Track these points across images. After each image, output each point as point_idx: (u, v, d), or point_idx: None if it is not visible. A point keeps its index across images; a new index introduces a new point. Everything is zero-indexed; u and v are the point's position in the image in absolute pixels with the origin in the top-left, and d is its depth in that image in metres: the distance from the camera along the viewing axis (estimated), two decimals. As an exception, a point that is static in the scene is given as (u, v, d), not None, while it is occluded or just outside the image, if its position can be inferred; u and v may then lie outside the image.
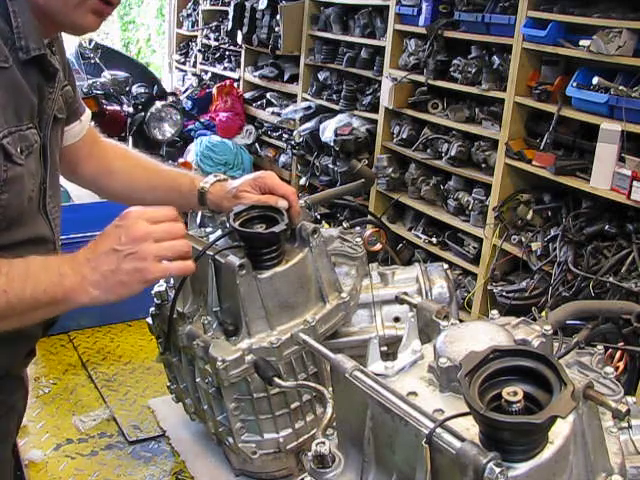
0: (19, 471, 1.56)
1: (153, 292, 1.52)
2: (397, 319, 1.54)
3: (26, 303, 1.06)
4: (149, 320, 1.58)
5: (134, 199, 1.62)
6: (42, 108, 1.22)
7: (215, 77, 7.69)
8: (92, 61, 6.16)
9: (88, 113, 1.54)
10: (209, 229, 1.56)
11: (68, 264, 1.09)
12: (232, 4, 6.68)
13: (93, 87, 5.53)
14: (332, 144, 5.17)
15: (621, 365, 2.33)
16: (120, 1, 1.22)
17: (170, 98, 5.96)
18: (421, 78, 4.63)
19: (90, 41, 6.19)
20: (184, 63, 8.55)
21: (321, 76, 5.83)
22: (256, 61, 6.97)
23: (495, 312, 1.12)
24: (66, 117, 1.37)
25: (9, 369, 1.30)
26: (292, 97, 6.35)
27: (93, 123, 1.60)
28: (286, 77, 6.40)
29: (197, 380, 1.47)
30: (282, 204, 1.42)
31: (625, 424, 1.00)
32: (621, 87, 3.30)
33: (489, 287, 4.05)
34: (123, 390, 1.91)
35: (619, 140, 3.32)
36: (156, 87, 6.15)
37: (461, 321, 1.13)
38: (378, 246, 1.68)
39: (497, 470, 0.75)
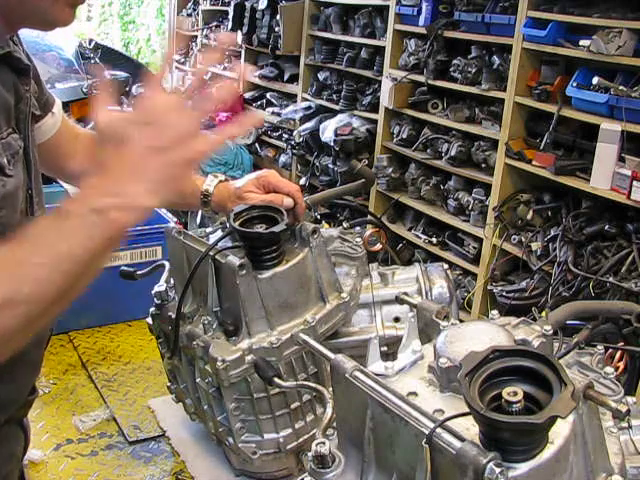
0: (19, 471, 1.56)
1: (153, 292, 1.52)
2: (397, 319, 1.54)
3: (67, 266, 0.86)
4: (149, 320, 1.58)
5: None
6: (19, 109, 1.12)
7: (215, 77, 7.69)
8: (92, 61, 6.16)
9: (58, 103, 1.42)
10: (209, 229, 1.56)
11: (98, 193, 0.89)
12: (232, 4, 6.68)
13: (93, 87, 5.52)
14: (332, 144, 5.17)
15: (621, 365, 2.33)
16: None
17: (170, 98, 5.95)
18: (421, 78, 4.63)
19: (90, 41, 6.19)
20: (184, 63, 8.55)
21: (321, 76, 5.83)
22: (256, 61, 6.97)
23: (495, 312, 1.11)
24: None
25: (12, 410, 1.19)
26: (292, 97, 6.35)
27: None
28: (286, 77, 6.40)
29: (197, 380, 1.47)
30: (287, 202, 1.41)
31: (625, 424, 1.00)
32: (621, 87, 3.30)
33: (489, 287, 4.05)
34: (123, 390, 1.91)
35: (619, 140, 3.32)
36: (156, 87, 6.13)
37: (461, 321, 1.13)
38: (378, 246, 1.68)
39: (497, 470, 0.75)
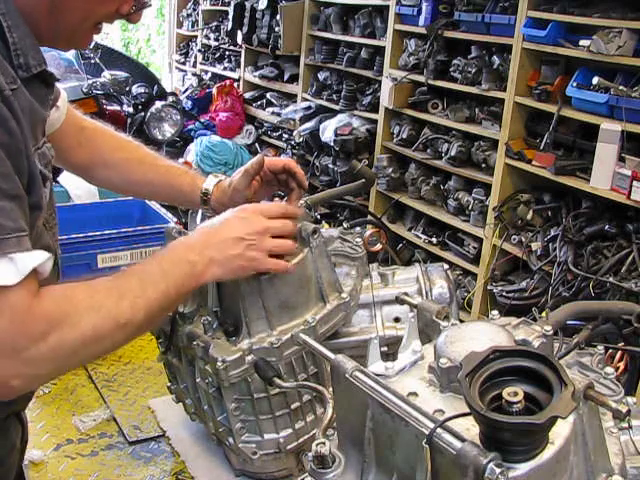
0: (19, 471, 1.56)
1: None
2: (397, 319, 1.54)
3: (163, 301, 1.13)
4: (149, 320, 1.58)
5: (130, 191, 1.61)
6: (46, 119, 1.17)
7: (215, 77, 7.70)
8: (92, 61, 6.16)
9: (64, 96, 1.45)
10: (209, 229, 1.56)
11: (193, 251, 1.19)
12: (232, 4, 6.68)
13: (93, 87, 5.52)
14: (332, 144, 5.17)
15: (621, 365, 2.33)
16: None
17: (170, 98, 5.96)
18: (421, 78, 4.63)
19: (90, 41, 6.18)
20: (184, 63, 8.55)
21: (321, 76, 5.84)
22: (256, 61, 6.97)
23: (495, 312, 1.11)
24: None
25: (14, 404, 1.23)
26: (292, 97, 6.36)
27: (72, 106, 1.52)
28: (286, 77, 6.41)
29: (197, 380, 1.46)
30: (289, 162, 1.47)
31: (625, 424, 0.99)
32: (621, 87, 3.31)
33: (489, 287, 4.05)
34: (123, 390, 1.90)
35: (619, 140, 3.32)
36: (156, 87, 6.14)
37: (461, 321, 1.13)
38: (378, 246, 1.68)
39: (497, 470, 0.75)
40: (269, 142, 6.68)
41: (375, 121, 5.14)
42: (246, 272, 1.27)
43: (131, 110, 5.56)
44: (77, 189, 3.24)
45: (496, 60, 4.19)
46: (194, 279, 1.18)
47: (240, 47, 7.00)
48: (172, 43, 8.93)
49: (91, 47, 6.09)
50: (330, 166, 5.39)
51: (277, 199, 1.53)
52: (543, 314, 1.14)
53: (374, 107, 5.14)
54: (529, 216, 3.94)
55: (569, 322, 1.21)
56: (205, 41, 7.94)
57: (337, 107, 5.48)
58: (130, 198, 2.43)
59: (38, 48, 1.09)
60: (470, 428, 0.82)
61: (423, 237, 4.67)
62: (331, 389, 1.01)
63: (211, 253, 1.20)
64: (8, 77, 1.00)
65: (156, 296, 1.10)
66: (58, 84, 1.29)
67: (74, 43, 1.20)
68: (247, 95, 6.97)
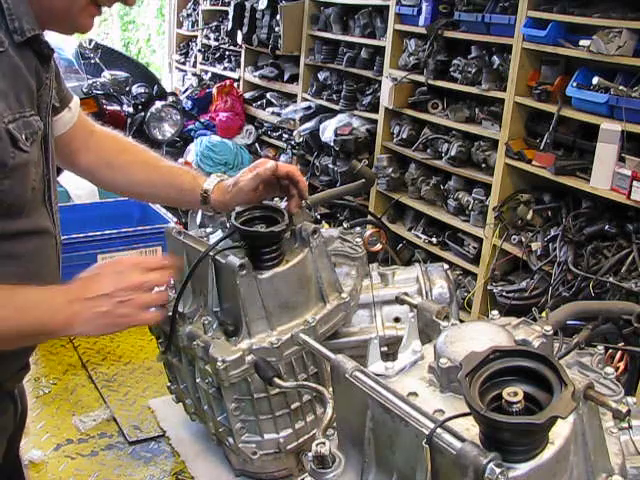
0: (19, 471, 1.56)
1: (153, 292, 1.52)
2: (397, 319, 1.54)
3: (13, 334, 1.12)
4: (149, 320, 1.58)
5: (133, 193, 1.62)
6: (40, 95, 1.21)
7: (215, 77, 7.70)
8: (92, 61, 6.16)
9: (76, 100, 1.51)
10: (209, 229, 1.56)
11: (61, 298, 1.16)
12: (232, 4, 6.68)
13: (93, 87, 5.52)
14: (332, 144, 5.17)
15: (621, 365, 2.33)
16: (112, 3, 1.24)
17: (170, 98, 5.96)
18: (421, 78, 4.63)
19: (90, 41, 6.19)
20: (184, 63, 8.55)
21: (321, 76, 5.83)
22: (256, 61, 6.97)
23: (495, 312, 1.12)
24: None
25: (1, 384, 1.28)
26: (292, 97, 6.36)
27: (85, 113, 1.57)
28: (286, 77, 6.40)
29: (197, 380, 1.46)
30: (293, 170, 1.44)
31: (625, 424, 1.00)
32: (621, 87, 3.30)
33: (489, 287, 4.05)
34: (123, 390, 1.90)
35: (619, 140, 3.32)
36: (156, 87, 6.14)
37: (461, 321, 1.13)
38: (378, 246, 1.68)
39: (497, 470, 0.75)
40: (269, 142, 6.67)
41: (375, 121, 5.14)
42: (118, 328, 1.23)
43: (131, 110, 5.56)
44: (77, 189, 3.25)
45: (496, 60, 4.19)
46: (51, 326, 1.15)
47: (240, 47, 7.00)
48: (172, 43, 8.93)
49: (91, 47, 6.10)
50: (330, 166, 5.39)
51: (277, 199, 1.53)
52: (543, 314, 1.14)
53: (374, 107, 5.14)
54: (529, 216, 3.94)
55: (569, 322, 1.21)
56: (205, 41, 7.94)
57: (337, 107, 5.48)
58: (130, 198, 2.43)
59: (32, 14, 1.13)
60: (470, 428, 0.82)
61: (423, 237, 4.67)
62: (331, 389, 1.01)
63: (77, 308, 1.15)
64: None
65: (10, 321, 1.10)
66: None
67: (73, 23, 1.21)
68: (247, 95, 6.96)
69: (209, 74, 7.87)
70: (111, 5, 1.24)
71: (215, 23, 7.64)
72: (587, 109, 3.54)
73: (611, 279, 3.26)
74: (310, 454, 0.92)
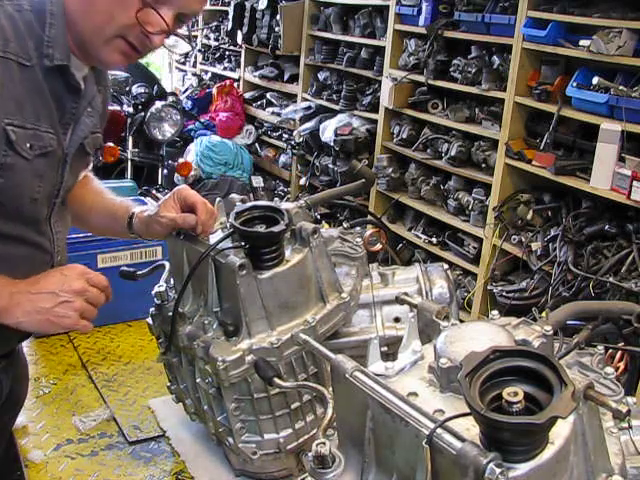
0: (19, 471, 1.56)
1: (153, 292, 1.52)
2: (397, 319, 1.54)
3: None
4: (149, 320, 1.58)
5: (81, 221, 1.61)
6: (64, 121, 1.28)
7: (215, 77, 7.70)
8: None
9: (91, 165, 1.54)
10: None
11: (7, 288, 1.21)
12: (232, 4, 6.68)
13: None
14: (332, 144, 5.17)
15: (621, 365, 2.33)
16: (150, 51, 1.26)
17: (170, 98, 5.95)
18: (421, 78, 4.63)
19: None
20: (184, 63, 8.55)
21: (321, 76, 5.83)
22: (256, 61, 6.97)
23: (495, 312, 1.12)
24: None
25: None
26: (292, 97, 6.35)
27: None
28: (286, 77, 6.40)
29: (197, 380, 1.47)
30: (190, 221, 1.42)
31: (625, 424, 1.00)
32: (621, 87, 3.30)
33: (489, 287, 4.05)
34: (123, 390, 1.90)
35: (619, 140, 3.32)
36: (156, 87, 6.14)
37: (461, 321, 1.13)
38: (378, 246, 1.68)
39: (497, 470, 0.75)
40: (269, 142, 6.68)
41: (375, 121, 5.14)
42: (54, 328, 1.28)
43: (131, 110, 5.55)
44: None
45: (496, 60, 4.19)
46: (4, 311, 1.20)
47: (240, 47, 7.00)
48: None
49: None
50: (330, 166, 5.39)
51: (277, 199, 1.53)
52: (543, 314, 1.14)
53: (374, 107, 5.14)
54: (529, 216, 3.94)
55: (569, 322, 1.21)
56: (205, 41, 7.94)
57: (337, 107, 5.48)
58: (131, 197, 2.42)
59: (68, 48, 1.23)
60: (470, 428, 0.82)
61: (423, 237, 4.67)
62: (331, 389, 1.01)
63: (21, 299, 1.22)
64: (21, 53, 1.17)
65: None
66: None
67: (97, 54, 1.25)
68: (247, 95, 6.96)
69: (209, 74, 7.87)
70: (145, 49, 1.25)
71: (215, 23, 7.64)
72: (587, 109, 3.54)
73: (611, 279, 3.26)
74: (310, 454, 0.92)
